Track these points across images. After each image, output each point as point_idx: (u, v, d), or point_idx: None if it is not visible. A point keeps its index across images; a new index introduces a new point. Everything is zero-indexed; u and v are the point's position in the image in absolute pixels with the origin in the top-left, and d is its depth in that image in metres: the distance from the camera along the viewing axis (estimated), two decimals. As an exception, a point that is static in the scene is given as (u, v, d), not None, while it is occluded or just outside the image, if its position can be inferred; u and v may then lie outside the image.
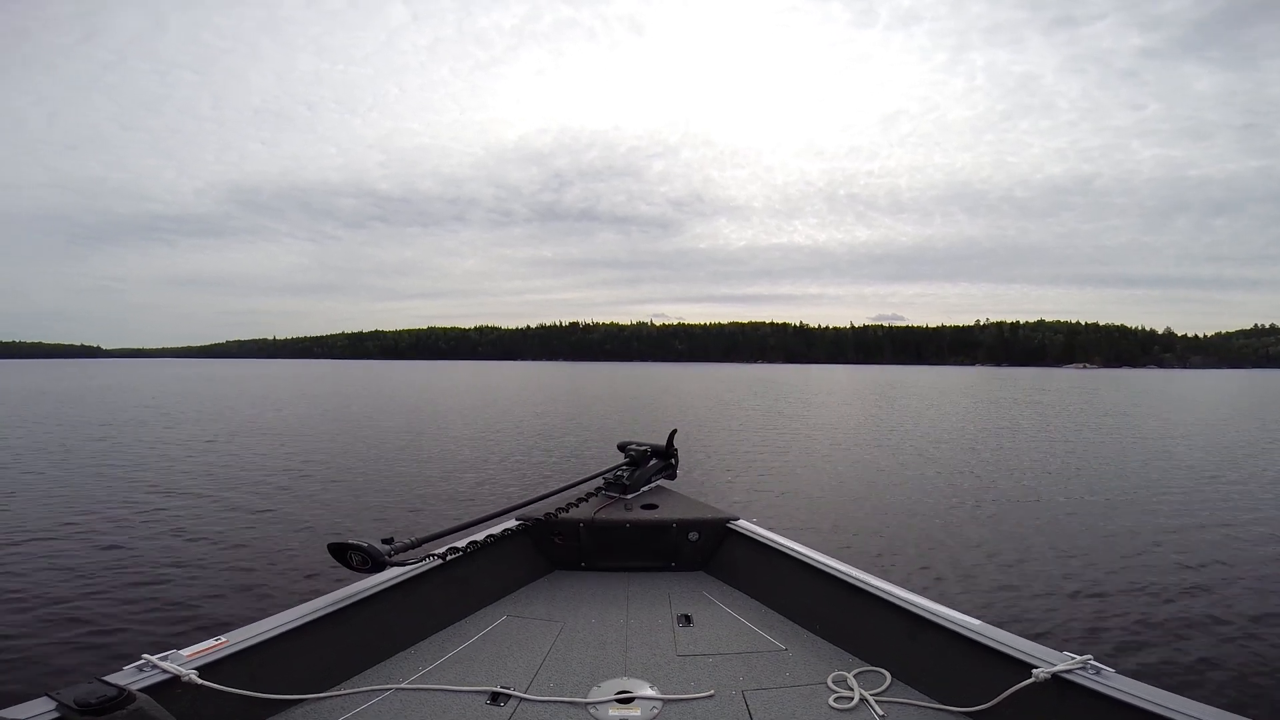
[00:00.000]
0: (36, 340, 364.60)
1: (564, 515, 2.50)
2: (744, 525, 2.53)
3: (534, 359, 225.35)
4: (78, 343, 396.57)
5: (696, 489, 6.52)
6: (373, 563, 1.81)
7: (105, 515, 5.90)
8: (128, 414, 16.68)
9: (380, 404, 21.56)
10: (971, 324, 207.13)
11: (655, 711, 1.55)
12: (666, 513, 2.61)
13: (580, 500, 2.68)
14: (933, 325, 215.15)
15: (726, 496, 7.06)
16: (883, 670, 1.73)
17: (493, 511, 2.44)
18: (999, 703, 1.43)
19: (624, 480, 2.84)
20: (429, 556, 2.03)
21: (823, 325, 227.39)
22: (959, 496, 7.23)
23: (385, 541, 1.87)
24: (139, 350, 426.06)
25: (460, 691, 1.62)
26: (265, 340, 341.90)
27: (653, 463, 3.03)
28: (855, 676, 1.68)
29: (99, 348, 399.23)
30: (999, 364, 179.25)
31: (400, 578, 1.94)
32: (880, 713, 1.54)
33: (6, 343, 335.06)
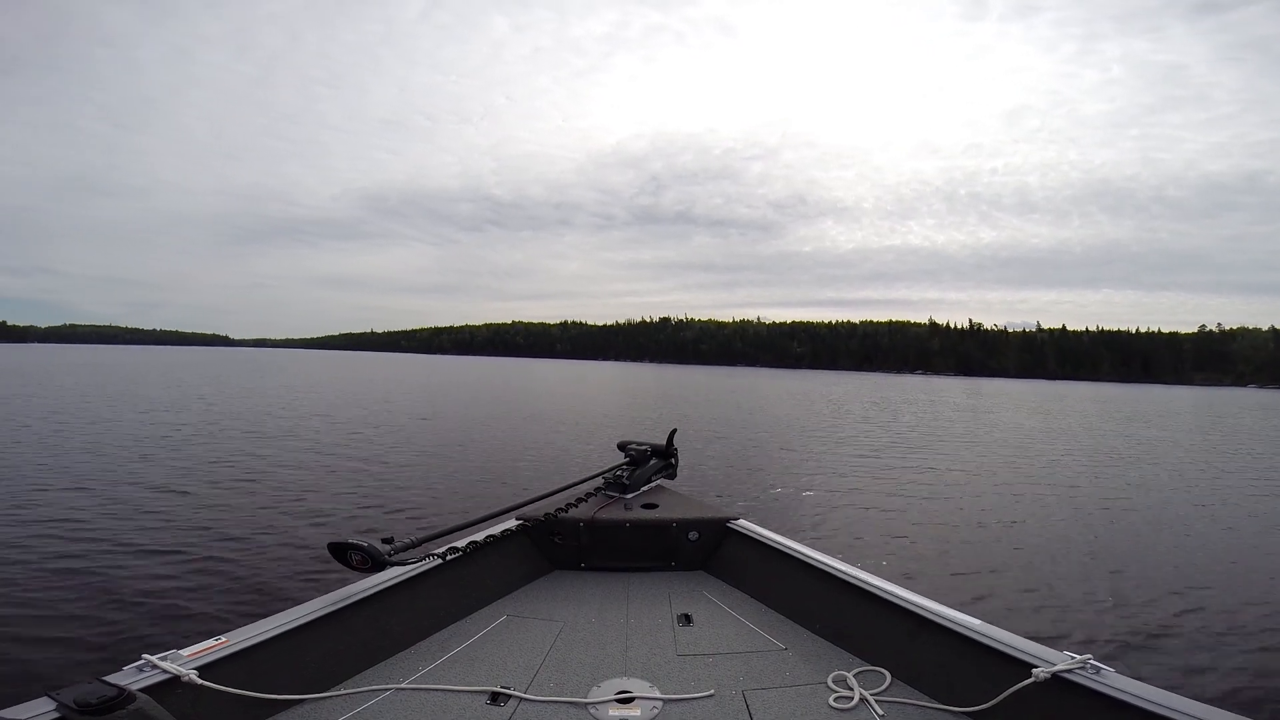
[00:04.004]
0: (174, 329, 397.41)
1: (564, 515, 2.50)
2: (744, 525, 2.52)
3: (618, 359, 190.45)
4: (209, 332, 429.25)
5: (696, 489, 6.62)
6: (373, 562, 1.80)
7: (104, 513, 5.72)
8: (133, 408, 15.59)
9: (394, 402, 20.18)
10: (1203, 329, 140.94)
11: (655, 711, 1.54)
12: (666, 512, 2.60)
13: (580, 500, 2.66)
14: (1168, 330, 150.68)
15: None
16: (882, 670, 1.71)
17: (493, 511, 2.45)
18: (999, 702, 1.42)
19: (624, 480, 2.83)
20: (429, 556, 2.02)
21: (1001, 327, 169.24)
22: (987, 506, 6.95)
23: (385, 541, 1.86)
24: (264, 340, 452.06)
25: (460, 691, 1.60)
26: (365, 334, 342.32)
27: (653, 462, 3.02)
28: (855, 676, 1.67)
29: (227, 337, 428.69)
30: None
31: (400, 577, 1.93)
32: (880, 712, 1.52)
33: (148, 330, 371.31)
